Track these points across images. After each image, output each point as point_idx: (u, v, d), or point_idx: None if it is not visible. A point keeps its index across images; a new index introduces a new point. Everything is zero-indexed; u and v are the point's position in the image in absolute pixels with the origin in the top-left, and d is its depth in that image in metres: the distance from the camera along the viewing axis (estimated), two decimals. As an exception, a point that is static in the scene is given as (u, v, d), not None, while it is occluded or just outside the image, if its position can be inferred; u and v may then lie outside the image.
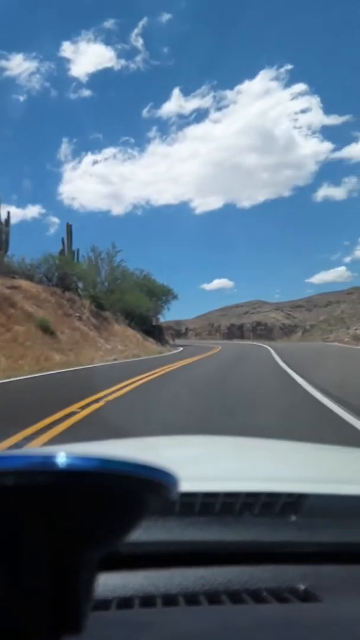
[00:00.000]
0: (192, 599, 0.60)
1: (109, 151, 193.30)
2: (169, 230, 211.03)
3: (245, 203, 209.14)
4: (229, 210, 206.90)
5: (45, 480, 0.29)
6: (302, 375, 8.94)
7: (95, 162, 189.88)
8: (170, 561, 0.65)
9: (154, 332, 28.83)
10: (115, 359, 16.24)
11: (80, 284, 25.03)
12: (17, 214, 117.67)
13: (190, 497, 0.70)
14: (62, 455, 0.29)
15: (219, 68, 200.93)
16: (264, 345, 33.62)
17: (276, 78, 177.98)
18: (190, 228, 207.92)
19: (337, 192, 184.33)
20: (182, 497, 0.67)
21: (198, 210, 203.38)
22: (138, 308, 28.74)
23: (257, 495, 0.73)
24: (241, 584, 0.63)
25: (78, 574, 0.33)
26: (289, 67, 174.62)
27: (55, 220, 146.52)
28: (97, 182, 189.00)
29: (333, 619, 0.58)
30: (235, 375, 10.41)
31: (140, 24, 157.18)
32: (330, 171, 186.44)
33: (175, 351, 25.88)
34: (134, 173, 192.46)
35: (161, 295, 38.04)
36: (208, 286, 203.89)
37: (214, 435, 2.33)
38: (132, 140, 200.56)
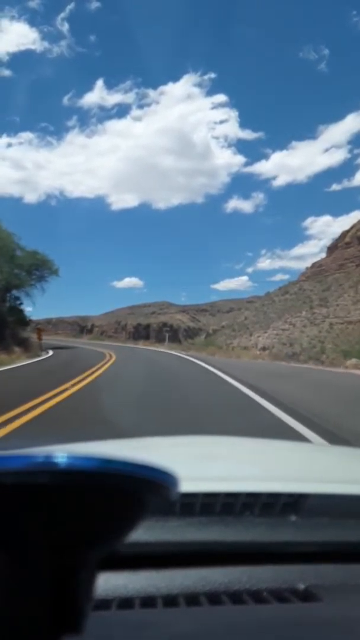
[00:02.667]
0: (192, 599, 0.60)
1: (25, 135, 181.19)
2: (83, 223, 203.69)
3: (161, 204, 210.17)
4: (144, 210, 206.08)
5: (45, 480, 0.29)
6: None
7: (9, 145, 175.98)
8: (170, 561, 0.65)
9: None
10: None
11: None
12: None
13: (190, 497, 0.71)
14: (62, 455, 0.29)
15: (145, 65, 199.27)
16: (204, 364, 14.83)
17: (199, 85, 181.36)
18: (105, 224, 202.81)
19: (245, 205, 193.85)
20: (182, 497, 0.68)
21: (114, 207, 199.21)
22: None
23: (257, 495, 0.74)
24: (241, 584, 0.63)
25: (78, 574, 0.33)
26: (212, 75, 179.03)
27: None
28: (10, 166, 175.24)
29: (333, 619, 0.58)
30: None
31: (68, 8, 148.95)
32: (241, 184, 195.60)
33: (13, 365, 12.94)
34: (49, 161, 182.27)
35: (29, 265, 23.31)
36: (119, 284, 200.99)
37: (213, 435, 2.23)
38: (51, 127, 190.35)
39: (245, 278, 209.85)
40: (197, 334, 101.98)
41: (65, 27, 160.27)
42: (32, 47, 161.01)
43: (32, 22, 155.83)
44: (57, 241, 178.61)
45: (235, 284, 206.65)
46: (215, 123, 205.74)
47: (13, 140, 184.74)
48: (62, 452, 0.30)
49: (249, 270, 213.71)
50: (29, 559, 0.31)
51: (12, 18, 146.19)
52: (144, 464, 0.31)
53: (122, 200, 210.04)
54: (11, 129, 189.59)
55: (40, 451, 0.30)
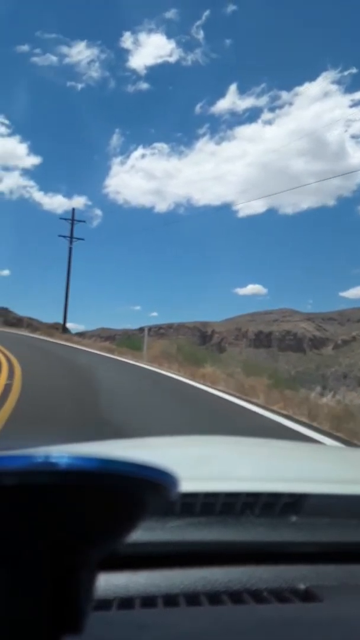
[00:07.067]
0: (193, 599, 0.60)
1: (158, 146, 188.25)
2: (209, 231, 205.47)
3: (288, 209, 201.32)
4: (271, 216, 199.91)
5: (46, 481, 0.29)
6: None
7: (143, 156, 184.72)
8: (171, 561, 0.65)
9: None
10: None
11: None
12: (64, 204, 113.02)
13: (191, 497, 0.71)
14: (62, 456, 0.29)
15: (281, 66, 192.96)
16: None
17: (337, 82, 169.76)
18: (231, 230, 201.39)
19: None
20: (182, 497, 0.68)
21: (241, 214, 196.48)
22: None
23: (258, 495, 0.74)
24: (242, 584, 0.62)
25: (78, 574, 0.33)
26: (354, 70, 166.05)
27: (99, 212, 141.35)
28: (143, 177, 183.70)
29: (333, 619, 0.58)
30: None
31: (204, 15, 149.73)
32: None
33: None
34: (179, 170, 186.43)
35: None
36: (242, 290, 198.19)
37: (213, 435, 2.25)
38: (181, 136, 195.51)
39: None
40: (324, 344, 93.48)
41: (200, 35, 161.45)
42: (169, 58, 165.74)
43: (168, 33, 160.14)
44: (184, 249, 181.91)
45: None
46: (354, 121, 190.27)
47: (147, 151, 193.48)
48: (62, 453, 0.30)
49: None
50: (29, 559, 0.31)
51: (150, 31, 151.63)
52: (143, 464, 0.31)
53: (249, 206, 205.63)
54: (146, 141, 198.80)
55: (40, 451, 0.30)
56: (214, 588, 0.61)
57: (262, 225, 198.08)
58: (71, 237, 25.24)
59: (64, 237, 25.31)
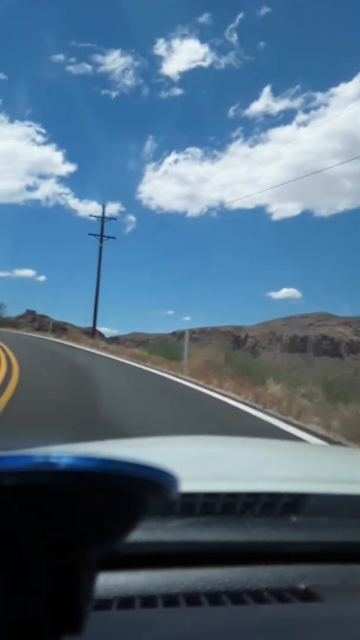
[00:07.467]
0: (193, 599, 0.60)
1: (191, 150, 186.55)
2: (242, 235, 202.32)
3: (324, 212, 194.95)
4: (306, 218, 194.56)
5: (45, 481, 0.29)
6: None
7: (176, 161, 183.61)
8: (171, 561, 0.65)
9: None
10: None
11: None
12: (98, 210, 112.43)
13: (191, 497, 0.71)
14: (62, 456, 0.29)
15: (317, 68, 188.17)
16: None
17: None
18: (265, 234, 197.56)
19: None
20: (183, 497, 0.68)
21: (275, 217, 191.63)
22: None
23: (258, 495, 0.74)
24: (242, 584, 0.63)
25: (78, 574, 0.33)
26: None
27: (132, 219, 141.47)
28: (176, 182, 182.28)
29: (333, 619, 0.59)
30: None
31: (238, 17, 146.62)
32: None
33: None
34: (212, 174, 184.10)
35: None
36: (276, 294, 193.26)
37: (214, 435, 2.25)
38: (215, 140, 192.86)
39: None
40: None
41: (234, 38, 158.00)
42: (202, 63, 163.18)
43: (202, 38, 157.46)
44: (217, 253, 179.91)
45: None
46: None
47: (180, 156, 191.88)
48: (62, 453, 0.30)
49: None
50: (29, 559, 0.31)
51: (184, 36, 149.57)
52: (143, 464, 0.31)
53: (283, 209, 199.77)
54: (179, 146, 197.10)
55: (40, 451, 0.30)
56: (214, 588, 0.61)
57: (297, 228, 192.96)
58: (101, 235, 24.48)
59: (94, 235, 24.57)
